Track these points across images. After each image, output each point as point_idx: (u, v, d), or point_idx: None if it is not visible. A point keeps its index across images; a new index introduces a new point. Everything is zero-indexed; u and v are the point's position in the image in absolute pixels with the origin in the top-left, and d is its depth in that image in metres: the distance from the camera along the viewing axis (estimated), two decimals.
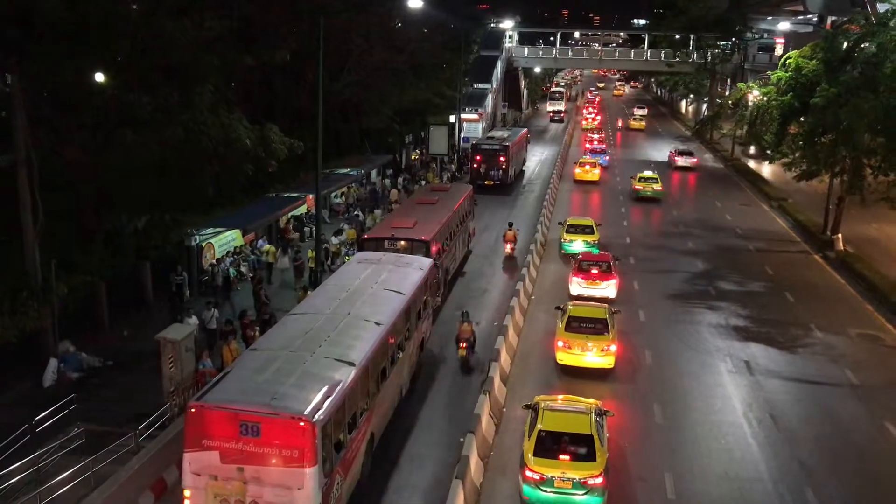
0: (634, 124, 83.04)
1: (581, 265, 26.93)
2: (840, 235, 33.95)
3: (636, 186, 44.91)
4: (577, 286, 26.36)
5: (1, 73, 23.17)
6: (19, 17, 19.12)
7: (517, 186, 48.33)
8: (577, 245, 31.55)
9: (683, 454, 17.03)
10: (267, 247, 30.20)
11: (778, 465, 16.63)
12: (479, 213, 36.14)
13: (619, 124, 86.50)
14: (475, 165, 46.35)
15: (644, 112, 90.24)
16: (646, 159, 60.00)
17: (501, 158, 45.75)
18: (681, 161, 56.63)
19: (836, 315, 26.27)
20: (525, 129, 59.45)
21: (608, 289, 26.25)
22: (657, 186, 44.50)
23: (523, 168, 53.71)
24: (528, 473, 14.38)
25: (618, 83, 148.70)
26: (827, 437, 17.95)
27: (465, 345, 21.03)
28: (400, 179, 46.61)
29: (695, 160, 57.31)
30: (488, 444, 16.79)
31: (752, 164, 56.53)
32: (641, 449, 17.11)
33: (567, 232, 32.49)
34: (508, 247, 31.86)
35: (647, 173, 46.15)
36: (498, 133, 52.39)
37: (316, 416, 12.52)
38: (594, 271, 26.52)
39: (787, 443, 17.57)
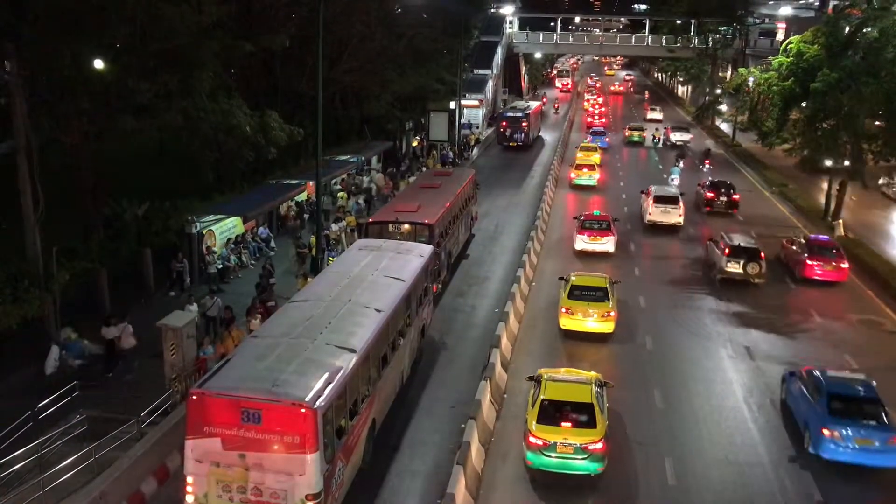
0: (609, 72, 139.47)
1: (584, 224, 30.75)
2: (841, 221, 33.86)
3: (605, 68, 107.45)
4: (581, 242, 30.29)
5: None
6: (15, 1, 19.00)
7: (535, 149, 57.17)
8: (584, 179, 43.06)
9: (684, 438, 17.10)
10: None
11: (778, 449, 16.69)
12: (482, 199, 36.14)
13: (605, 68, 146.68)
14: (502, 130, 57.37)
15: (620, 67, 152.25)
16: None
17: (524, 124, 56.37)
18: (625, 76, 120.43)
19: (837, 300, 26.29)
20: (540, 102, 72.36)
21: (608, 243, 30.16)
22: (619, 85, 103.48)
23: (539, 134, 62.97)
24: (532, 440, 14.96)
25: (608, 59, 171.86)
26: None
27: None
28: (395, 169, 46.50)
29: (633, 77, 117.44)
30: (489, 430, 16.85)
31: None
32: (642, 433, 17.16)
33: (576, 169, 43.94)
34: None
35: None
36: (520, 104, 64.80)
37: (317, 403, 12.55)
38: (596, 228, 30.34)
39: (787, 428, 17.62)
